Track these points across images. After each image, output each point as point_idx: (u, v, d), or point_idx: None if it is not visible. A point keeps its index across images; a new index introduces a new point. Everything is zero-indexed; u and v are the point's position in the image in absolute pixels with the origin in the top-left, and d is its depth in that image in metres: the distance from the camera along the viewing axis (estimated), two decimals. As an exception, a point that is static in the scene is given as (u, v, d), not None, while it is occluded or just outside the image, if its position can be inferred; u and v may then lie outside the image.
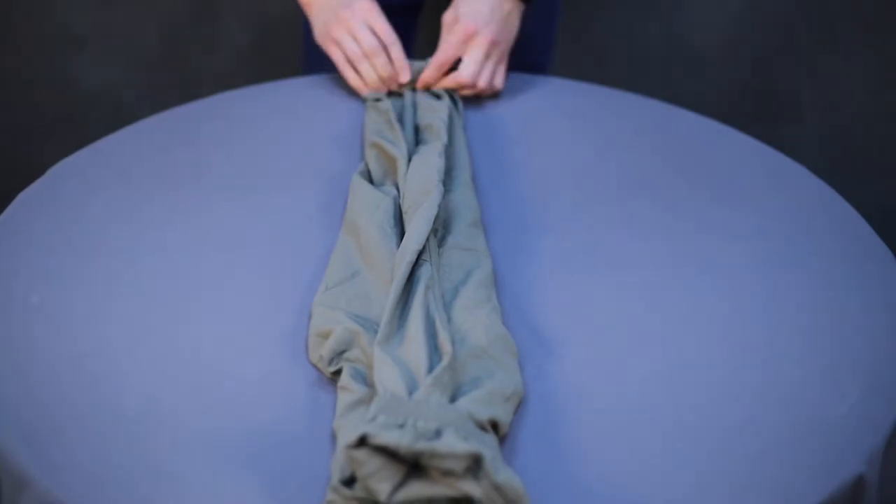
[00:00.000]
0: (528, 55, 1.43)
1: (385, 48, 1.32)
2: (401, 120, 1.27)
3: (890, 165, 2.20)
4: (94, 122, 1.98)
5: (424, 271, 0.97)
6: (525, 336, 0.95)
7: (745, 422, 0.87)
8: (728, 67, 2.12)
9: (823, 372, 0.92)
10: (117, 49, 2.06)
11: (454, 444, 0.74)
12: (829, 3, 2.04)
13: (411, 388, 0.82)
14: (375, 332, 0.91)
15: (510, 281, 1.03)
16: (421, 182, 1.09)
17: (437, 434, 0.76)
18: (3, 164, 2.11)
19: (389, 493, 0.74)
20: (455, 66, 1.34)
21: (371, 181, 1.15)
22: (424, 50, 1.67)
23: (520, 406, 0.88)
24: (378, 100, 1.31)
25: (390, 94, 1.34)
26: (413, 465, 0.75)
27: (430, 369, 0.85)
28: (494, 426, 0.83)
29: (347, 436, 0.75)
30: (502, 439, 0.84)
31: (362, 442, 0.75)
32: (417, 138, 1.25)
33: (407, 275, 0.95)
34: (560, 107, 1.36)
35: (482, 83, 1.33)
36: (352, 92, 1.36)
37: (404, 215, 1.06)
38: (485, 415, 0.81)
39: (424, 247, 1.00)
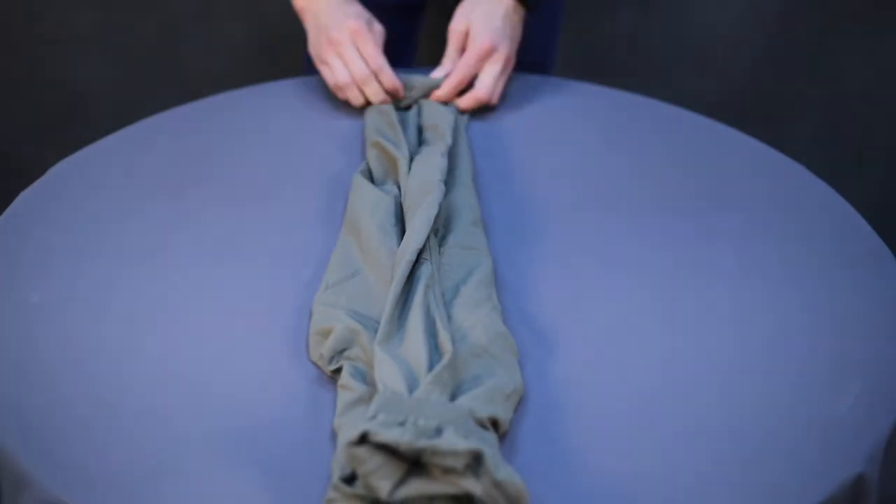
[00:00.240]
0: (530, 55, 1.43)
1: (376, 73, 1.29)
2: (403, 121, 1.27)
3: (890, 165, 2.20)
4: (94, 122, 1.98)
5: (424, 270, 0.97)
6: (525, 335, 0.95)
7: (746, 421, 0.87)
8: (728, 67, 2.12)
9: (823, 371, 0.92)
10: (117, 49, 2.06)
11: (455, 441, 0.74)
12: (829, 3, 2.04)
13: (412, 387, 0.83)
14: (375, 330, 0.91)
15: (511, 280, 1.03)
16: (422, 182, 1.09)
17: (438, 432, 0.76)
18: (3, 164, 2.11)
19: (390, 490, 0.74)
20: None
21: (372, 180, 1.15)
22: (425, 51, 1.67)
23: (520, 404, 0.88)
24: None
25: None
26: (414, 463, 0.75)
27: (431, 368, 0.85)
28: (495, 424, 0.83)
29: (348, 433, 0.76)
30: (502, 437, 0.84)
31: (363, 439, 0.75)
32: (420, 139, 1.25)
33: (407, 274, 0.95)
34: (561, 107, 1.36)
35: (495, 100, 1.33)
36: (352, 92, 1.36)
37: (405, 214, 1.06)
38: (485, 413, 0.82)
39: (424, 245, 1.00)
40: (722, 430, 0.86)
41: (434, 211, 1.03)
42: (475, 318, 0.93)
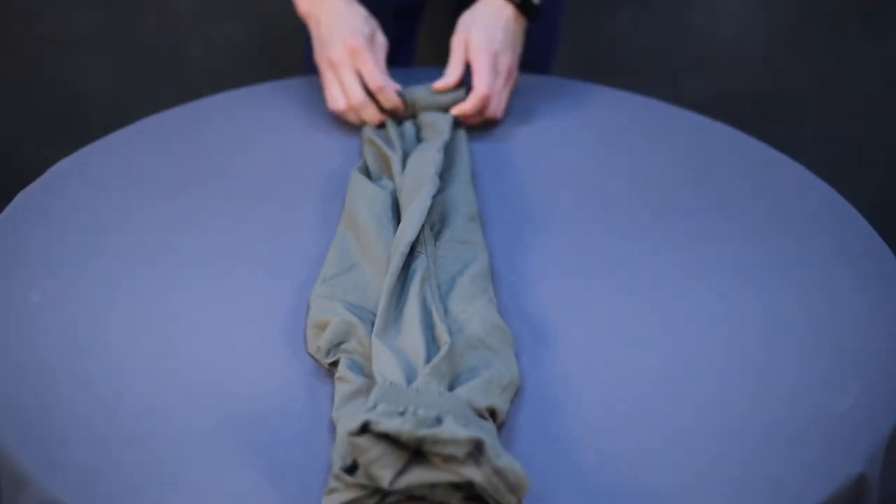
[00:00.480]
0: (530, 56, 1.43)
1: (376, 93, 1.27)
2: (400, 124, 1.28)
3: (890, 165, 2.20)
4: (94, 122, 1.98)
5: (420, 263, 0.98)
6: (521, 328, 0.96)
7: (746, 421, 0.87)
8: (728, 67, 2.12)
9: (823, 371, 0.92)
10: (117, 49, 2.06)
11: (455, 430, 0.75)
12: (830, 3, 2.04)
13: (410, 378, 0.83)
14: (372, 323, 0.92)
15: (507, 276, 1.03)
16: (417, 176, 1.10)
17: (438, 421, 0.77)
18: (3, 164, 2.11)
19: (392, 479, 0.75)
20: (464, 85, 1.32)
21: (369, 177, 1.16)
22: (426, 51, 1.67)
23: (516, 396, 0.88)
24: None
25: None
26: (414, 452, 0.76)
27: (428, 359, 0.86)
28: (492, 414, 0.84)
29: (347, 424, 0.76)
30: (500, 428, 0.85)
31: (364, 429, 0.75)
32: (418, 137, 1.25)
33: (401, 265, 0.96)
34: (561, 107, 1.36)
35: (500, 114, 1.31)
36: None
37: (402, 209, 1.07)
38: (483, 403, 0.83)
39: (420, 239, 1.00)
40: (722, 430, 0.86)
41: (427, 203, 1.04)
42: (472, 310, 0.94)
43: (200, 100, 1.35)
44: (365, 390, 0.85)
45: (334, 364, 0.90)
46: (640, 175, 1.21)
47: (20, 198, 1.13)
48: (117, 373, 0.90)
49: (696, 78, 2.12)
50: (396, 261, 0.96)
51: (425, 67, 1.37)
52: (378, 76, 1.26)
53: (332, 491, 0.76)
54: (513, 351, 0.92)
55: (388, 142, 1.21)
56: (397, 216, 1.08)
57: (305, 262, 1.04)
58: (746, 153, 1.27)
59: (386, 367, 0.84)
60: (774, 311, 1.00)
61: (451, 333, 0.90)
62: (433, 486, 0.75)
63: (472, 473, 0.74)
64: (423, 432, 0.74)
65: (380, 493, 0.76)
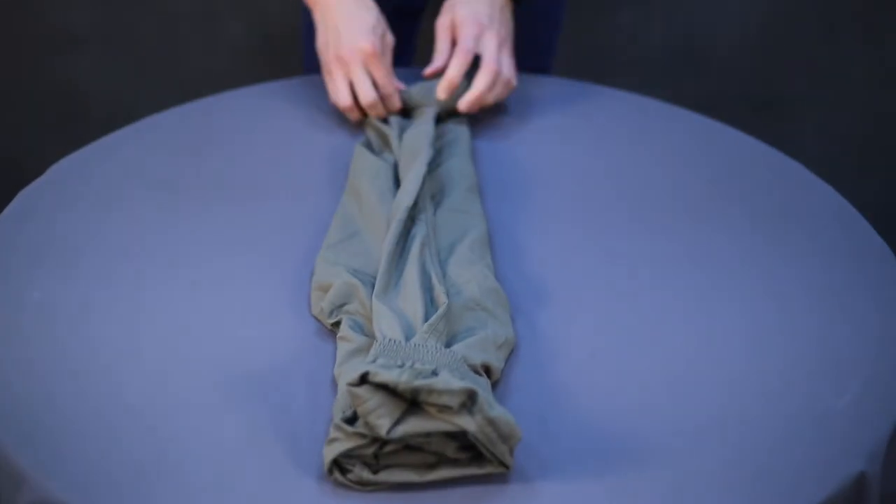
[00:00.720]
0: (530, 59, 1.43)
1: (384, 98, 1.27)
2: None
3: (890, 165, 2.20)
4: (94, 122, 1.98)
5: (419, 230, 1.02)
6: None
7: (745, 420, 0.87)
8: (728, 67, 2.12)
9: (823, 371, 0.92)
10: (117, 49, 2.06)
11: (450, 381, 0.78)
12: (830, 3, 2.04)
13: (409, 336, 0.87)
14: (373, 286, 0.95)
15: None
16: (412, 148, 1.15)
17: (434, 373, 0.80)
18: (3, 164, 2.11)
19: (389, 428, 0.77)
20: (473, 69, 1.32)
21: (372, 151, 1.21)
22: (426, 52, 1.67)
23: (511, 355, 0.92)
24: None
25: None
26: (411, 403, 0.79)
27: (427, 319, 0.90)
28: (487, 371, 0.87)
29: (349, 377, 0.79)
30: (494, 385, 0.88)
31: (363, 380, 0.78)
32: (411, 117, 1.29)
33: (400, 230, 1.00)
34: (561, 107, 1.36)
35: (507, 71, 1.29)
36: (352, 91, 1.36)
37: (401, 180, 1.11)
38: (478, 359, 0.86)
39: (419, 207, 1.05)
40: (722, 429, 0.86)
41: (423, 170, 1.09)
42: (469, 274, 0.98)
43: (200, 100, 1.36)
44: (365, 348, 0.89)
45: (336, 324, 0.93)
46: (640, 175, 1.21)
47: (20, 196, 1.13)
48: (116, 372, 0.90)
49: (696, 78, 2.12)
50: (395, 226, 1.00)
51: (425, 68, 1.37)
52: (389, 84, 1.27)
53: (333, 440, 0.79)
54: (509, 313, 0.96)
55: (386, 123, 1.26)
56: (398, 187, 1.12)
57: (306, 261, 1.04)
58: (746, 153, 1.27)
59: (386, 325, 0.88)
60: (774, 309, 1.00)
61: (449, 296, 0.94)
62: (428, 435, 0.78)
63: (466, 423, 0.77)
64: (419, 383, 0.77)
65: (378, 442, 0.78)
